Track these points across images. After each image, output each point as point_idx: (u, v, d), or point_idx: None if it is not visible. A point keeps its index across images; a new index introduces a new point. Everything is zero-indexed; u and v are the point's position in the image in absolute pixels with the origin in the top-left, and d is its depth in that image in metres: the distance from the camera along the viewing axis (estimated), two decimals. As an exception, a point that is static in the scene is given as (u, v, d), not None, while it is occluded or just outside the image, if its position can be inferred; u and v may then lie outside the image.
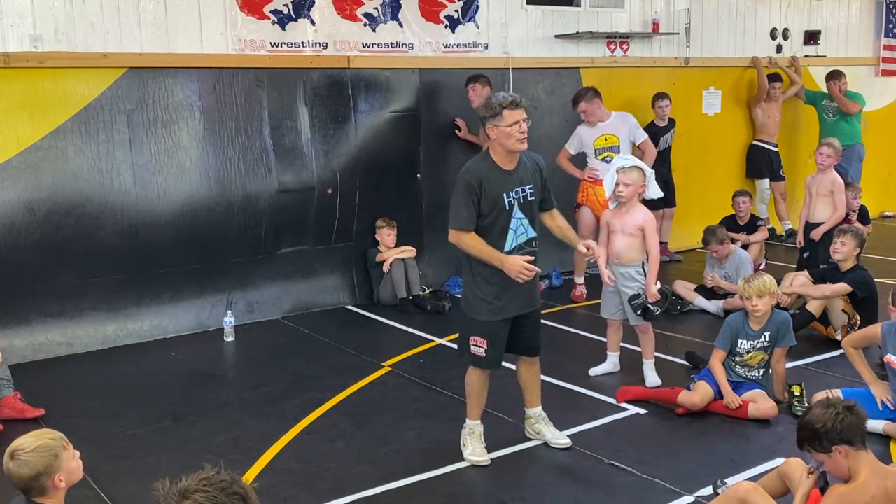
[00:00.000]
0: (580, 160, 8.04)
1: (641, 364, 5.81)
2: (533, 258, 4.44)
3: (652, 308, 5.49)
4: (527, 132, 4.38)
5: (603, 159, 7.74)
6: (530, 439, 4.86)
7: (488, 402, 4.77)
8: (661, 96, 9.13)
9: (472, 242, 4.41)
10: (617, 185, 5.59)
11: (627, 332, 5.96)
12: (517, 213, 4.44)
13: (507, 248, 4.44)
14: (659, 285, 5.57)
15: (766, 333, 5.22)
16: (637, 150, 8.04)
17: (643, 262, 5.59)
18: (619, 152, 7.68)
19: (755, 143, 10.30)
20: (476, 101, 7.41)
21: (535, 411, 4.86)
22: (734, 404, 5.07)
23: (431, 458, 4.63)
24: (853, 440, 3.24)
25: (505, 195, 4.40)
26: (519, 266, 4.34)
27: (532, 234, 4.51)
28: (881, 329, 4.94)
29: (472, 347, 4.56)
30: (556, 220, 4.77)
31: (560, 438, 4.76)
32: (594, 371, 5.86)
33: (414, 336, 6.91)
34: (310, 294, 7.74)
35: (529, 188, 4.48)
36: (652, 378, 5.68)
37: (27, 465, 2.91)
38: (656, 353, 6.22)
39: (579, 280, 7.97)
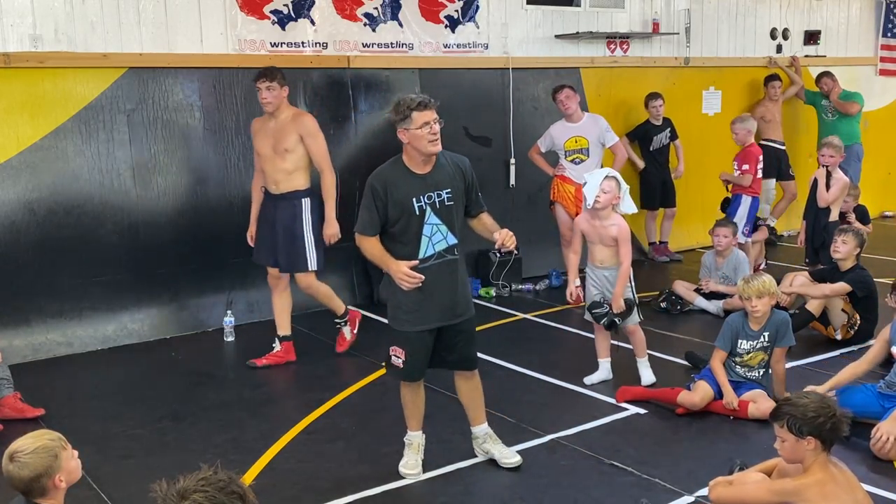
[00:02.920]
0: (554, 159, 8.03)
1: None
2: (454, 265, 4.29)
3: (616, 320, 5.48)
4: (439, 133, 4.17)
5: (572, 161, 7.74)
6: (530, 439, 4.85)
7: (487, 401, 4.74)
8: (654, 96, 9.12)
9: (368, 247, 4.29)
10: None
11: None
12: (431, 218, 4.22)
13: (422, 255, 4.23)
14: (626, 295, 5.52)
15: (766, 333, 5.22)
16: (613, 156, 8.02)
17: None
18: (588, 155, 7.69)
19: (763, 142, 10.28)
20: (271, 102, 6.05)
21: (481, 430, 4.62)
22: (732, 405, 5.07)
23: (431, 458, 4.62)
24: (825, 441, 3.39)
25: (414, 200, 4.18)
26: (400, 273, 4.17)
27: (452, 241, 4.29)
28: (890, 329, 4.99)
29: (392, 357, 4.42)
30: (481, 221, 4.50)
31: (509, 458, 4.54)
32: (589, 380, 5.75)
33: (414, 336, 6.90)
34: (310, 294, 7.73)
35: (447, 192, 4.24)
36: (647, 376, 5.65)
37: (27, 467, 2.91)
38: (656, 353, 6.23)
39: (577, 283, 7.94)
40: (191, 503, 2.24)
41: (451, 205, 4.28)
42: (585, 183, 5.66)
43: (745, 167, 8.07)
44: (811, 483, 3.36)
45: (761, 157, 8.13)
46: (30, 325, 6.49)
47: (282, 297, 6.36)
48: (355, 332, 6.53)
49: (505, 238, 4.26)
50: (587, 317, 5.76)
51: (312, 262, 6.16)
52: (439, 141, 4.18)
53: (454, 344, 4.43)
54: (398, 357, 4.40)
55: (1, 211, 6.34)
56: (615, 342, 5.91)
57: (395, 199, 4.20)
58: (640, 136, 9.15)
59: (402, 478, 4.44)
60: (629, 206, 5.68)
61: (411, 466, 4.51)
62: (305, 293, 6.37)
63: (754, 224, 8.68)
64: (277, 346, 6.34)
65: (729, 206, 8.23)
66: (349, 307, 6.64)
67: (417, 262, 4.23)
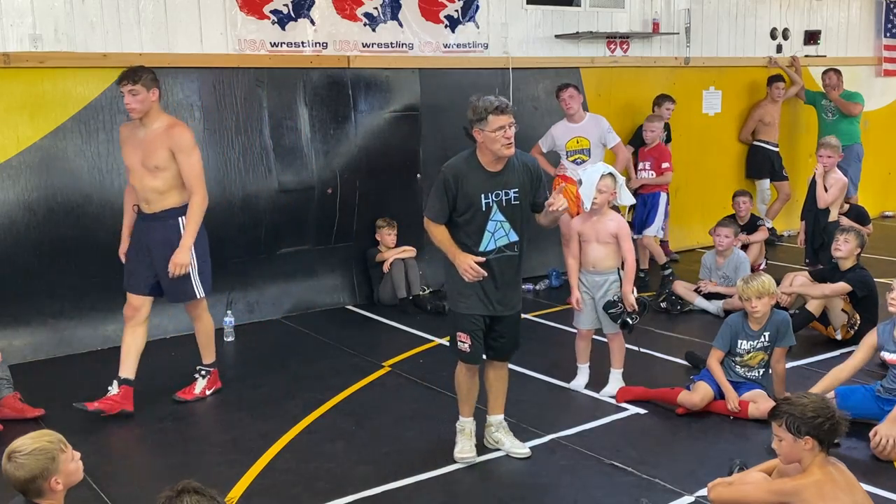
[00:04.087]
0: (555, 158, 8.03)
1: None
2: (510, 262, 4.43)
3: (629, 319, 5.39)
4: (513, 137, 4.29)
5: (573, 161, 7.74)
6: (530, 439, 4.85)
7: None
8: (667, 99, 9.10)
9: (436, 233, 4.47)
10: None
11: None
12: (496, 215, 4.38)
13: (482, 249, 4.39)
14: (636, 294, 5.44)
15: (766, 334, 5.22)
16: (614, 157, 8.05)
17: (619, 269, 5.50)
18: (589, 156, 7.68)
19: (756, 143, 10.31)
20: (136, 108, 5.22)
21: (496, 418, 4.78)
22: (734, 407, 5.07)
23: (431, 458, 4.63)
24: (823, 442, 3.41)
25: (483, 196, 4.34)
26: (465, 265, 4.33)
27: (514, 237, 4.44)
28: (877, 332, 4.99)
29: (459, 343, 4.56)
30: (543, 218, 4.62)
31: (520, 448, 4.69)
32: (575, 385, 5.69)
33: (414, 336, 6.91)
34: (310, 294, 7.74)
35: (514, 192, 4.40)
36: (612, 388, 5.53)
37: (23, 468, 2.90)
38: (656, 353, 6.24)
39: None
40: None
41: (517, 204, 4.43)
42: (580, 182, 5.60)
43: (665, 165, 8.32)
44: (809, 483, 3.36)
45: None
46: (30, 325, 6.50)
47: (135, 333, 5.46)
48: (208, 392, 5.62)
49: (556, 201, 4.35)
50: (578, 323, 5.68)
51: (199, 289, 5.45)
52: (513, 144, 4.31)
53: (500, 333, 4.59)
54: (464, 342, 4.52)
55: (1, 211, 6.34)
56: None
57: (465, 192, 4.35)
58: (640, 141, 9.13)
59: (401, 477, 4.43)
60: (627, 197, 5.66)
61: (467, 451, 4.61)
62: (192, 322, 5.69)
63: (754, 225, 8.70)
64: (114, 389, 5.33)
65: (646, 206, 8.31)
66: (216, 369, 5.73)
67: (483, 259, 4.37)
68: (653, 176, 8.31)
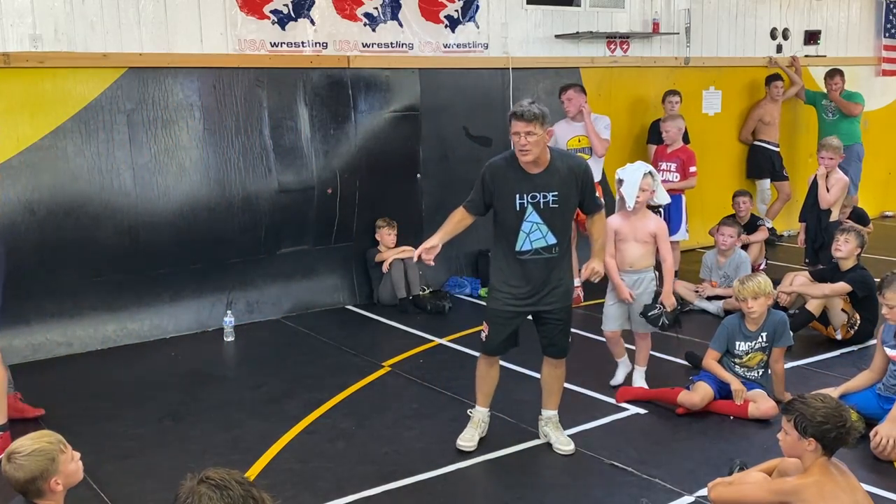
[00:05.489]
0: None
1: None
2: (545, 261, 4.50)
3: (668, 320, 5.41)
4: (528, 145, 4.26)
5: None
6: (530, 439, 4.85)
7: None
8: (671, 92, 9.10)
9: (455, 215, 4.62)
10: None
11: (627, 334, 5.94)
12: (532, 216, 4.41)
13: (518, 248, 4.47)
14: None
15: (764, 334, 5.22)
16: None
17: (653, 268, 5.55)
18: (591, 154, 7.68)
19: (756, 143, 10.32)
20: None
21: (547, 413, 4.85)
22: (739, 398, 5.07)
23: (431, 458, 4.63)
24: (827, 447, 3.41)
25: (517, 196, 4.39)
26: (421, 247, 4.51)
27: (552, 240, 4.47)
28: (881, 331, 4.99)
29: (481, 332, 4.73)
30: (591, 225, 4.75)
31: (563, 445, 4.72)
32: (616, 381, 5.70)
33: (414, 336, 6.91)
34: (310, 294, 7.74)
35: (553, 195, 4.40)
36: (640, 385, 5.59)
37: (22, 469, 2.90)
38: (656, 353, 6.22)
39: (576, 283, 7.94)
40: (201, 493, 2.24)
41: (555, 207, 4.44)
42: (621, 181, 5.54)
43: (693, 168, 8.23)
44: (810, 483, 3.36)
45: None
46: (30, 325, 6.49)
47: None
48: None
49: (590, 276, 4.64)
50: (605, 326, 5.67)
51: None
52: (528, 152, 4.31)
53: (544, 330, 4.69)
54: (484, 332, 4.71)
55: (1, 211, 6.33)
56: (627, 345, 5.88)
57: (501, 190, 4.43)
58: (657, 135, 9.09)
59: (401, 477, 4.43)
60: (664, 196, 5.70)
61: (467, 439, 4.70)
62: None
63: (754, 225, 8.71)
64: None
65: (678, 209, 8.27)
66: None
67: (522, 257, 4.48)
68: (678, 178, 8.24)
